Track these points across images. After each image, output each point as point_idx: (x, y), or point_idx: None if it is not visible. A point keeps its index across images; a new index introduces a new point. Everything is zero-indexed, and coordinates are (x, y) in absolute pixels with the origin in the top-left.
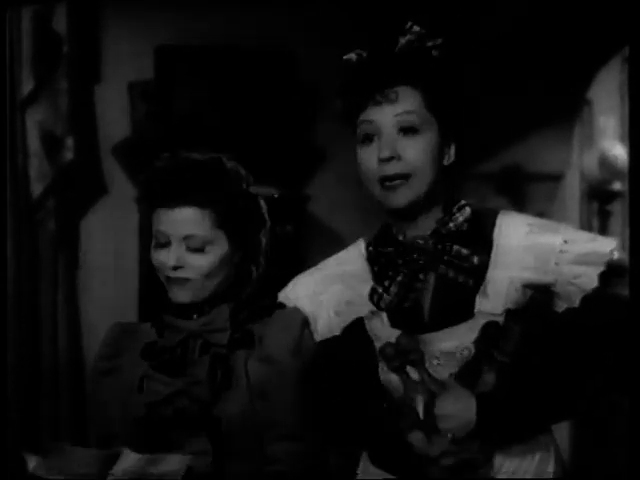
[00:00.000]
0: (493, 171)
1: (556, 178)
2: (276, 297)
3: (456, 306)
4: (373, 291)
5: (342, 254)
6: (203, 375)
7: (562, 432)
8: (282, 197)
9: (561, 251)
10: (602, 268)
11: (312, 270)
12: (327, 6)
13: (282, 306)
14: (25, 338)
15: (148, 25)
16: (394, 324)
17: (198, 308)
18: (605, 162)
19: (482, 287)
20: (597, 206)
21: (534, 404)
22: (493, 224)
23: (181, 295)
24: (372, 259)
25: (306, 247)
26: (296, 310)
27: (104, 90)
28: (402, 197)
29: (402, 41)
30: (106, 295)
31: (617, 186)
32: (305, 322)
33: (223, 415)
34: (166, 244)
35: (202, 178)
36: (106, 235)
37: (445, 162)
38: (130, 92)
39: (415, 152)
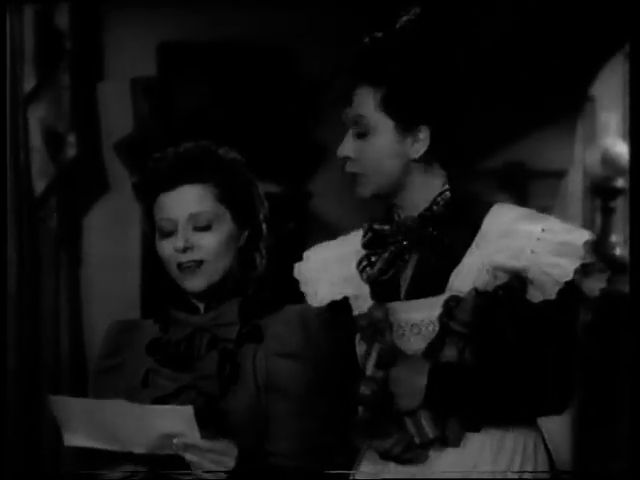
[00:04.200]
0: (496, 168)
1: (559, 175)
2: (282, 293)
3: (431, 285)
4: (360, 262)
5: (349, 235)
6: (211, 369)
7: (562, 432)
8: (284, 194)
9: (539, 239)
10: (578, 262)
11: (323, 245)
12: (328, 3)
13: (292, 302)
14: (26, 335)
15: (150, 22)
16: (374, 297)
17: (206, 302)
18: (608, 159)
19: (457, 268)
20: (600, 203)
21: (488, 384)
22: (486, 211)
23: (195, 282)
24: (365, 234)
25: (308, 244)
26: (307, 306)
27: (106, 87)
28: (364, 190)
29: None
30: (108, 292)
31: (619, 183)
32: (317, 316)
33: (230, 409)
34: (171, 232)
35: (198, 155)
36: (108, 232)
37: (412, 155)
38: (132, 89)
39: (365, 156)
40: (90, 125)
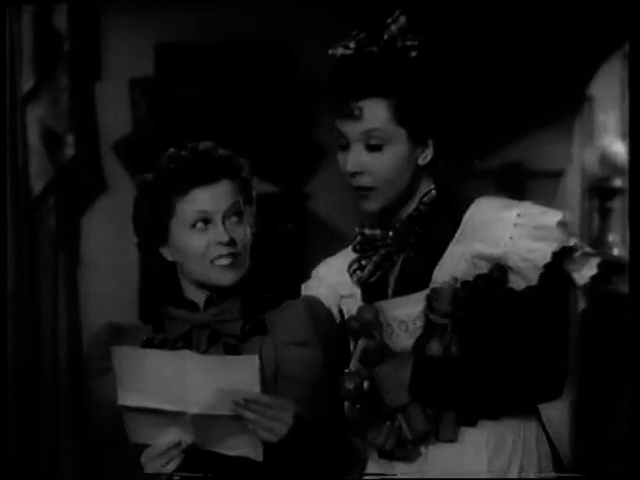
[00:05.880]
0: (494, 168)
1: (557, 175)
2: (280, 291)
3: (418, 282)
4: (351, 265)
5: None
6: None
7: (561, 431)
8: (283, 194)
9: (515, 225)
10: (556, 244)
11: (330, 258)
12: (328, 2)
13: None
14: (25, 336)
15: (148, 22)
16: (364, 299)
17: (207, 299)
18: (605, 159)
19: (440, 261)
20: (598, 203)
21: (476, 375)
22: (468, 206)
23: (229, 276)
24: (355, 238)
25: (306, 244)
26: (306, 297)
27: (105, 87)
28: (373, 205)
29: (374, 48)
30: (107, 293)
31: (617, 183)
32: (319, 304)
33: None
34: (205, 226)
35: (224, 153)
36: (107, 232)
37: (420, 162)
38: (131, 89)
39: (380, 168)
40: (88, 125)
